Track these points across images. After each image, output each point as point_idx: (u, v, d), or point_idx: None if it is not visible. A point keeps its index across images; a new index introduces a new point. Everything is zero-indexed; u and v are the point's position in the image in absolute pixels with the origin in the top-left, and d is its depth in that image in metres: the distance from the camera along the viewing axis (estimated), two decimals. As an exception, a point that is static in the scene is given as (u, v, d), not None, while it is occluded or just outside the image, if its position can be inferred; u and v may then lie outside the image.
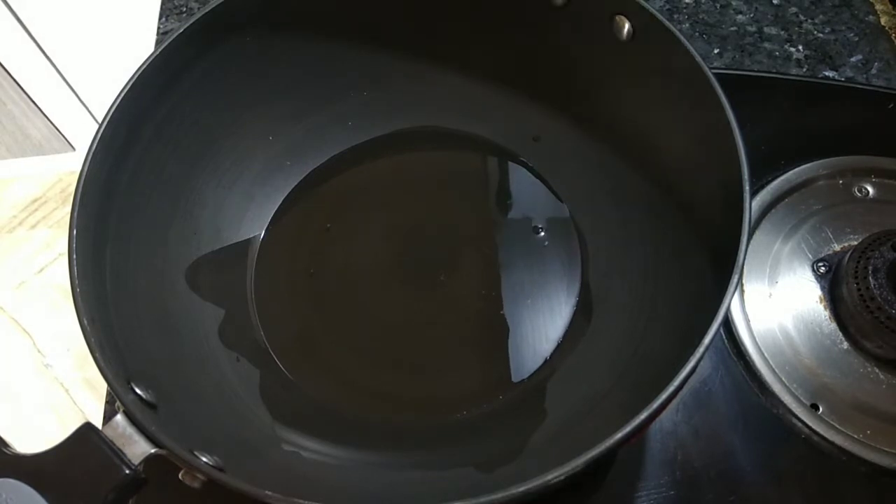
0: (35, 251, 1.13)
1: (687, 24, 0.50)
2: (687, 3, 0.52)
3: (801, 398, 0.36)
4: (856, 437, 0.35)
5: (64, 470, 0.24)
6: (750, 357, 0.37)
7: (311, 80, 0.40)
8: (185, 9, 0.51)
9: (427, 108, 0.42)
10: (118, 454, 0.24)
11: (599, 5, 0.35)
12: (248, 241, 0.39)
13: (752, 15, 0.51)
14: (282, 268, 0.39)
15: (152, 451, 0.25)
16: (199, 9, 0.35)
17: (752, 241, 0.40)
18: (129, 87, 0.32)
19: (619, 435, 0.23)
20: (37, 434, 0.98)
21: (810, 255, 0.40)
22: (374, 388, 0.35)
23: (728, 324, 0.38)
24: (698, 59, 0.32)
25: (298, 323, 0.37)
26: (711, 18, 0.51)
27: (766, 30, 0.50)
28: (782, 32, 0.50)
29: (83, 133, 1.08)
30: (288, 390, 0.35)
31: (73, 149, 1.12)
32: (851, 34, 0.50)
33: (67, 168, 1.18)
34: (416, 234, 0.39)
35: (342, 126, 0.42)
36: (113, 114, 0.31)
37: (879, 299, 0.36)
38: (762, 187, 0.42)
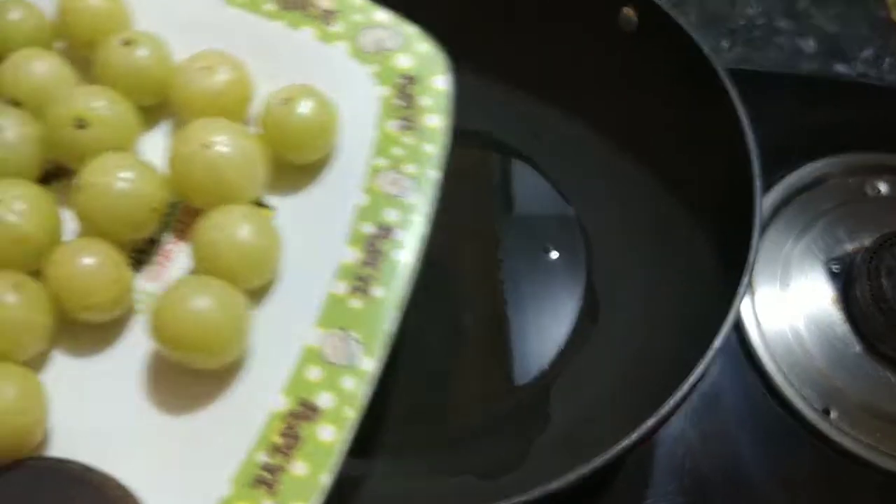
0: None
1: (694, 16, 0.50)
2: (694, -4, 0.51)
3: (813, 402, 0.36)
4: (867, 442, 0.35)
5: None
6: (760, 360, 0.36)
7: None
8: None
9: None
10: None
11: (605, -3, 0.35)
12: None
13: (761, 8, 0.50)
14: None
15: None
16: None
17: (763, 241, 0.39)
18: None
19: (625, 441, 0.23)
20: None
21: (822, 256, 0.40)
22: (374, 392, 0.34)
23: (738, 326, 0.37)
24: (707, 52, 0.31)
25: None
26: (720, 11, 0.50)
27: (776, 23, 0.50)
28: (793, 25, 0.50)
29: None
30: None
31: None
32: (863, 28, 0.50)
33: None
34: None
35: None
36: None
37: (892, 300, 0.36)
38: (772, 185, 0.41)
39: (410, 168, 0.26)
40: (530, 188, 0.40)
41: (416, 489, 0.30)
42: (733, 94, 0.30)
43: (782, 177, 0.42)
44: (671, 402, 0.24)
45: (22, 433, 0.22)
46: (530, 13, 0.38)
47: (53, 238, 0.25)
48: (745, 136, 0.29)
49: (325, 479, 0.21)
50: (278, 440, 0.22)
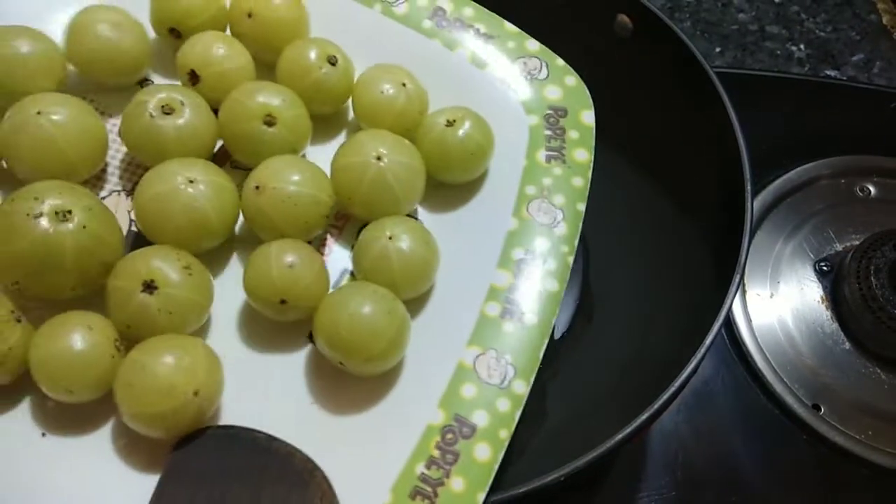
0: None
1: (688, 23, 0.50)
2: (688, 2, 0.52)
3: (803, 398, 0.36)
4: (857, 437, 0.35)
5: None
6: (751, 357, 0.37)
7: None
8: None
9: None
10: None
11: (600, 3, 0.35)
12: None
13: (753, 13, 0.51)
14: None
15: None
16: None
17: (753, 241, 0.40)
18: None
19: (619, 436, 0.24)
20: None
21: (812, 255, 0.40)
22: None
23: (729, 324, 0.38)
24: (700, 57, 0.32)
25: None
26: (713, 17, 0.51)
27: (767, 28, 0.50)
28: (784, 31, 0.50)
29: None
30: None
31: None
32: (853, 33, 0.50)
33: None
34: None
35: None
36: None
37: (881, 299, 0.36)
38: (764, 187, 0.42)
39: (559, 199, 0.26)
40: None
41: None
42: (725, 98, 0.30)
43: (774, 178, 0.42)
44: (663, 397, 0.24)
45: (207, 404, 0.22)
46: (529, 19, 0.38)
47: (228, 225, 0.25)
48: (737, 140, 0.30)
49: (481, 497, 0.21)
50: (435, 453, 0.22)
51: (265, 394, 0.24)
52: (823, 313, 0.39)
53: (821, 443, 0.35)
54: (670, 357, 0.26)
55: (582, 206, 0.26)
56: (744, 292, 0.39)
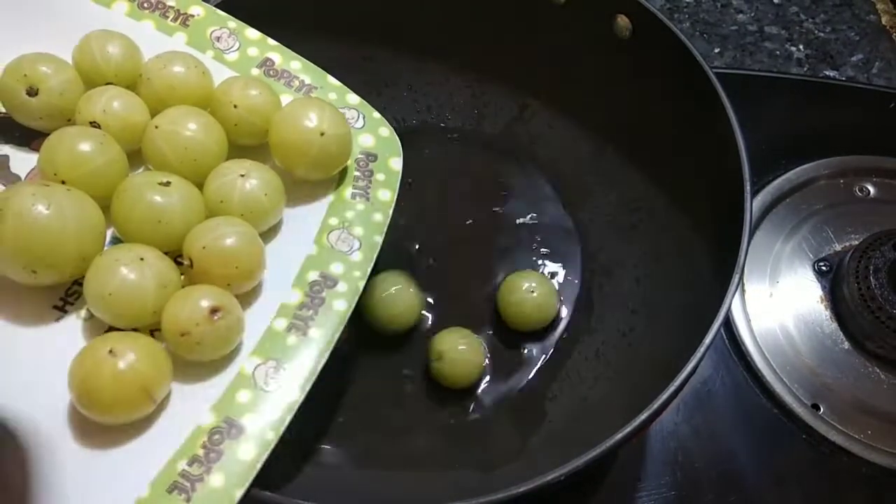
0: None
1: (687, 24, 0.50)
2: (687, 3, 0.52)
3: (802, 398, 0.36)
4: (856, 437, 0.35)
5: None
6: (751, 357, 0.37)
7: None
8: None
9: (426, 108, 0.42)
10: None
11: (600, 4, 0.35)
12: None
13: (752, 14, 0.51)
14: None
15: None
16: (198, 8, 0.35)
17: (752, 241, 0.40)
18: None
19: (619, 435, 0.24)
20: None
21: (811, 255, 0.40)
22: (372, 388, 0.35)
23: (729, 324, 0.38)
24: (699, 58, 0.32)
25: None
26: (712, 18, 0.51)
27: (766, 29, 0.50)
28: (783, 32, 0.50)
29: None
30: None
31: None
32: (852, 33, 0.50)
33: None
34: (415, 234, 0.39)
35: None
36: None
37: (880, 299, 0.36)
38: (763, 187, 0.42)
39: (358, 230, 0.29)
40: (529, 190, 0.40)
41: (413, 481, 0.30)
42: (724, 98, 0.30)
43: (773, 178, 0.42)
44: (663, 396, 0.24)
45: None
46: (530, 21, 0.38)
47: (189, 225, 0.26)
48: (736, 140, 0.30)
49: (239, 493, 0.23)
50: (200, 452, 0.23)
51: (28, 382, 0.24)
52: (822, 313, 0.39)
53: (820, 443, 0.35)
54: (670, 357, 0.26)
55: (379, 238, 0.29)
56: (743, 292, 0.39)
